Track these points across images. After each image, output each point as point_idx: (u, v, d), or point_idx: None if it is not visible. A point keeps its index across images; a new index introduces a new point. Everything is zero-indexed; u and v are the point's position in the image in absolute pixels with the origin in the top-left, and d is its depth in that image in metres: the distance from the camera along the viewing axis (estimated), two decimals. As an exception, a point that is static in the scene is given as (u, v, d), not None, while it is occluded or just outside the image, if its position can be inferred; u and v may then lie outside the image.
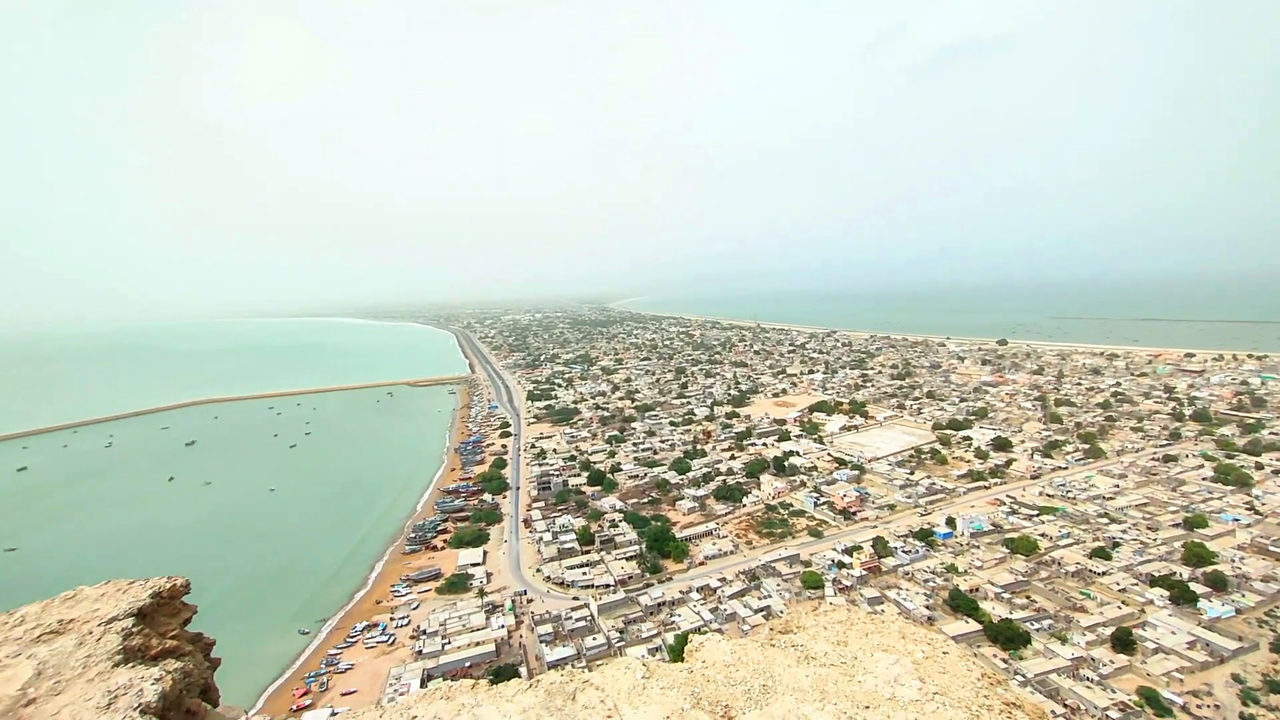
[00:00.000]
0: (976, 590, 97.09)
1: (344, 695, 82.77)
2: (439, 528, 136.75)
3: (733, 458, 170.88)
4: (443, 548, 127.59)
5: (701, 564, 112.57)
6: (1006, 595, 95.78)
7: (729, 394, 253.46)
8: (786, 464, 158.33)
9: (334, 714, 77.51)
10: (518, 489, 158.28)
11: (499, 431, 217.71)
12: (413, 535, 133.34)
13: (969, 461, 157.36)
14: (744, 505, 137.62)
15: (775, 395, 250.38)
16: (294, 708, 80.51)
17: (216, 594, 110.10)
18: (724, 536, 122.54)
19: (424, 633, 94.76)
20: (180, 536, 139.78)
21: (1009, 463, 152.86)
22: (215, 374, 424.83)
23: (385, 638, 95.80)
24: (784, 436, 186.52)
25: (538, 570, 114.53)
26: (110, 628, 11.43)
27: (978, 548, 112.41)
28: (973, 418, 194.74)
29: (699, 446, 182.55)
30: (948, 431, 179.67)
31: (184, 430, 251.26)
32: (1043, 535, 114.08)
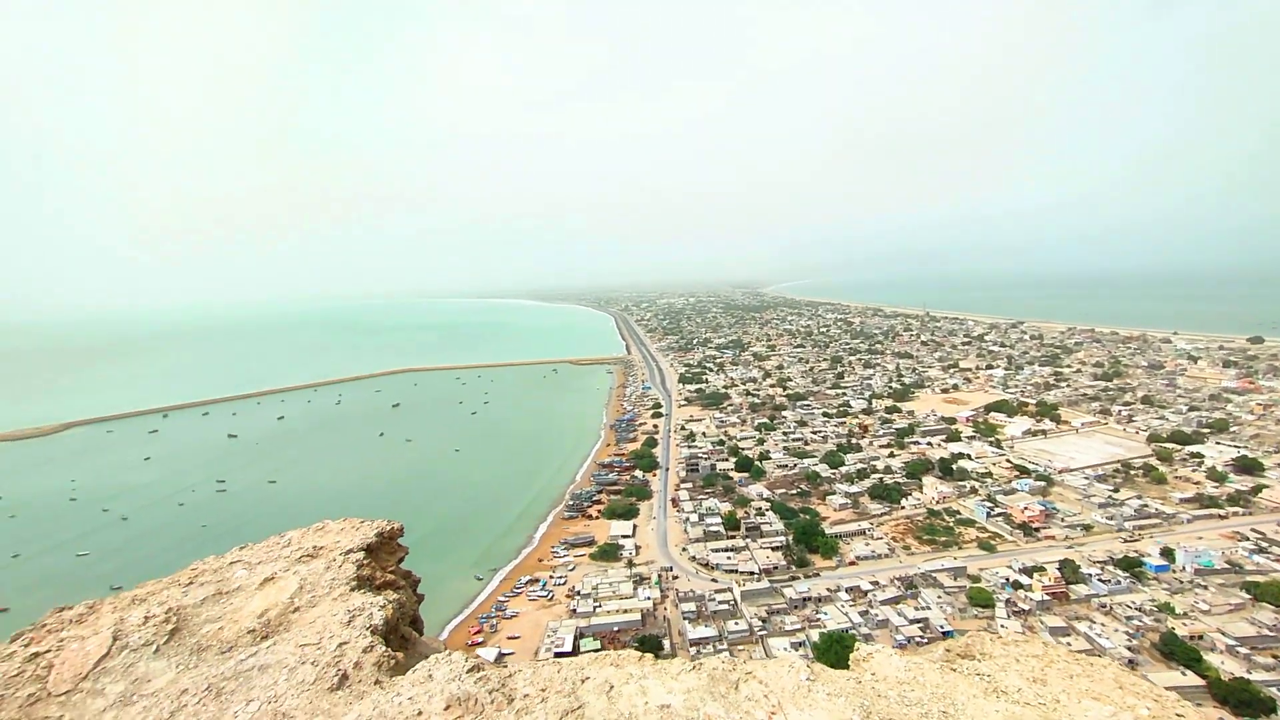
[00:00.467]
0: (1200, 638, 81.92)
1: (509, 639, 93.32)
2: (594, 498, 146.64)
3: (891, 455, 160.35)
4: (597, 517, 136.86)
5: (852, 564, 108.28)
6: (1243, 650, 79.57)
7: (890, 387, 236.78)
8: (955, 467, 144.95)
9: (501, 654, 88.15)
10: (667, 469, 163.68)
11: (651, 412, 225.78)
12: (571, 502, 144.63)
13: (1197, 484, 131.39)
14: (902, 507, 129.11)
15: (944, 391, 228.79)
16: (469, 643, 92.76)
17: (414, 537, 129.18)
18: (878, 538, 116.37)
19: (578, 593, 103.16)
20: (388, 484, 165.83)
21: (1256, 490, 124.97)
22: (413, 347, 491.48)
23: (545, 593, 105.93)
24: (953, 437, 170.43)
25: (683, 549, 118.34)
26: (348, 558, 13.37)
27: (1204, 588, 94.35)
28: (1206, 431, 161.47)
29: (854, 440, 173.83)
30: (1169, 445, 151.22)
31: (391, 394, 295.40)
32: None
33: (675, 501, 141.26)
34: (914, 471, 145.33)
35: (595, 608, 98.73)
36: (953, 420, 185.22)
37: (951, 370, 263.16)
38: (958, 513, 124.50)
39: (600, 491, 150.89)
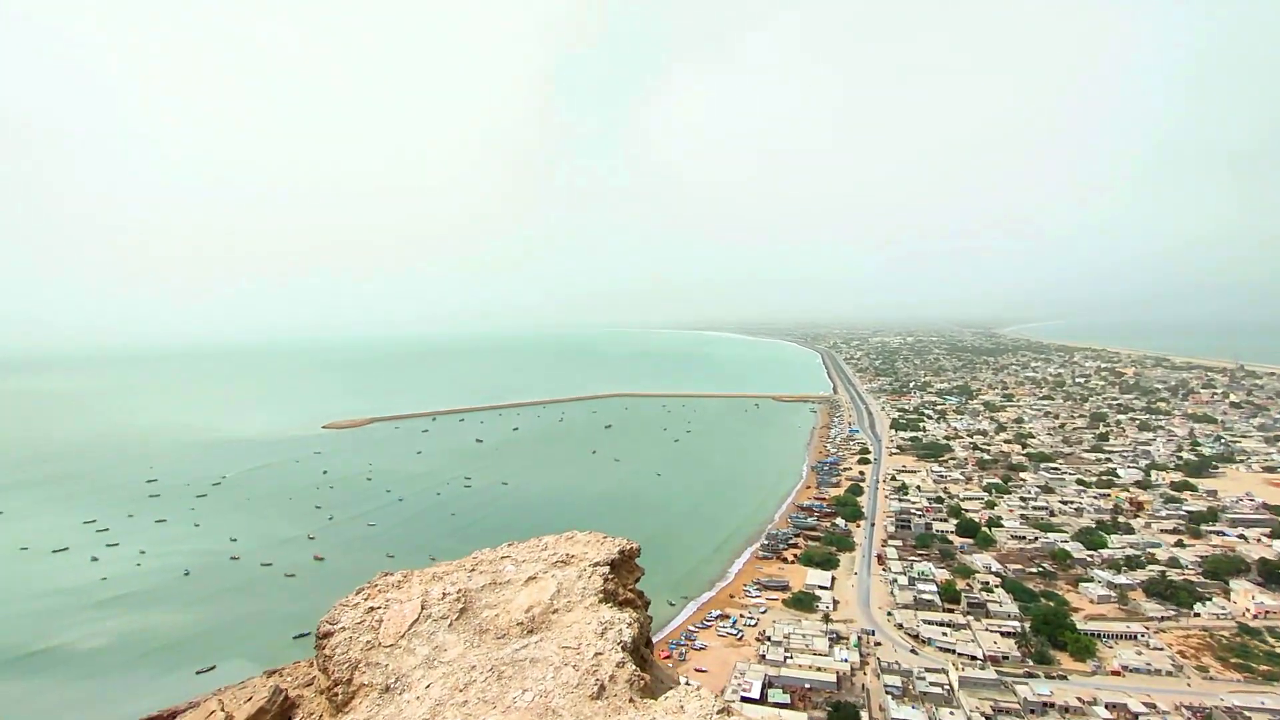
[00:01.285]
0: None
1: (697, 671, 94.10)
2: (791, 540, 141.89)
3: (1180, 545, 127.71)
4: (793, 561, 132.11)
5: (1116, 674, 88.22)
6: None
7: (1179, 457, 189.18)
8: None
9: (686, 683, 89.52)
10: (873, 522, 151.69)
11: (857, 457, 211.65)
12: (767, 542, 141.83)
13: None
14: (1196, 614, 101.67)
15: (1268, 470, 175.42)
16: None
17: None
18: (1157, 648, 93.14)
19: (769, 639, 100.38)
20: (596, 498, 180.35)
21: None
22: (626, 373, 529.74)
23: (735, 631, 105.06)
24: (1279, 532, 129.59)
25: (889, 614, 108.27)
26: (596, 570, 13.97)
27: None
28: None
29: (1121, 519, 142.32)
30: None
31: (604, 415, 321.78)
32: None
33: (881, 559, 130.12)
34: (1217, 570, 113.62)
35: (785, 657, 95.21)
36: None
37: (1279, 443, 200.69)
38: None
39: (797, 535, 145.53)
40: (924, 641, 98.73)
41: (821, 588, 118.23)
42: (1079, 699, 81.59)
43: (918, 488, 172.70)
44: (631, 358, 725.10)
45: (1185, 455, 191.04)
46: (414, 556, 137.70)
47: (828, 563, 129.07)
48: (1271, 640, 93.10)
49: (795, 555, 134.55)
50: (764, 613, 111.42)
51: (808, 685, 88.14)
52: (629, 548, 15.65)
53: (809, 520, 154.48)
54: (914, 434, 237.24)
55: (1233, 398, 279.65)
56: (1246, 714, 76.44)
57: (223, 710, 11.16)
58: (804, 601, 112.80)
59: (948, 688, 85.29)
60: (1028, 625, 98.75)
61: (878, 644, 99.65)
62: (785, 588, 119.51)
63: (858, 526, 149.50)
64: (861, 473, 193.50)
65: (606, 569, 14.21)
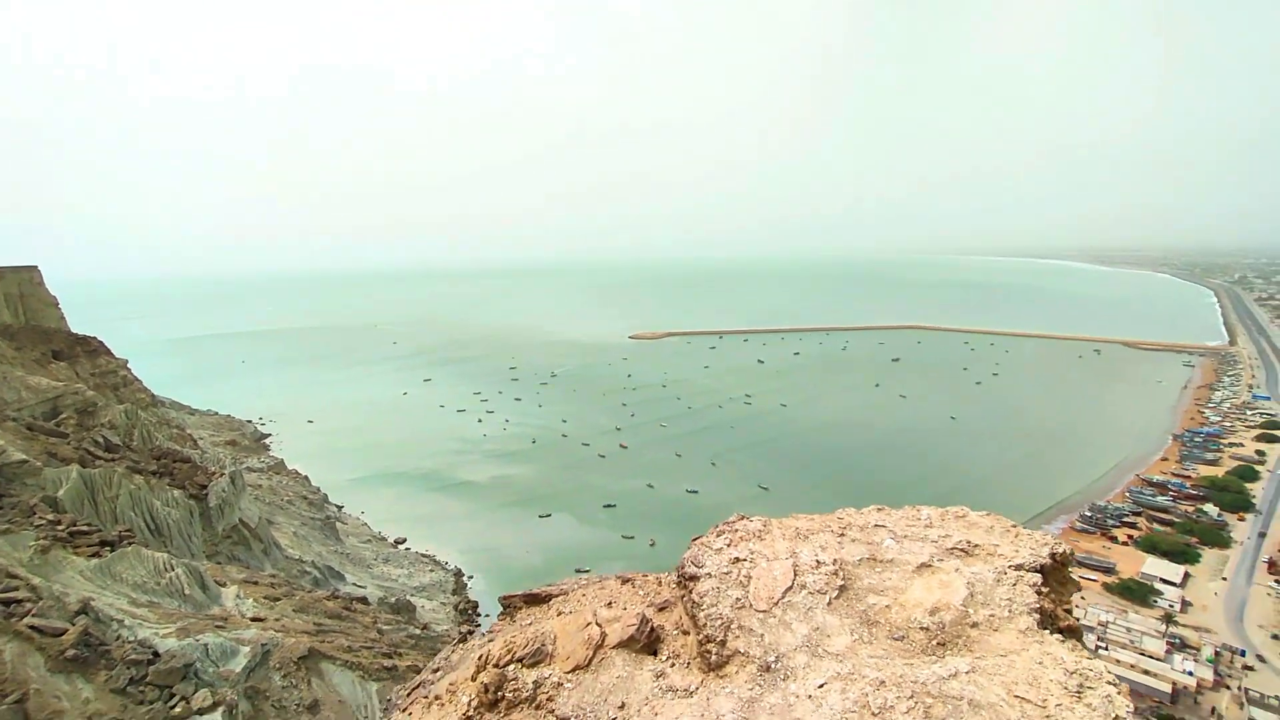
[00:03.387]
0: None
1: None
2: (1125, 518, 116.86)
3: None
4: (1125, 543, 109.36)
5: None
6: None
7: None
8: None
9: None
10: (1268, 517, 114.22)
11: (1257, 432, 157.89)
12: (1089, 514, 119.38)
13: None
14: None
15: None
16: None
17: (889, 493, 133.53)
18: None
19: (1078, 621, 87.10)
20: (879, 434, 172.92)
21: None
22: (926, 304, 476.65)
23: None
24: None
25: (1273, 636, 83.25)
26: (1023, 577, 10.37)
27: None
28: None
29: None
30: None
31: (892, 348, 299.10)
32: None
33: (1273, 565, 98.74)
34: None
35: (1098, 646, 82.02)
36: None
37: None
38: None
39: (1138, 513, 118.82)
40: (1328, 682, 74.19)
41: (1165, 581, 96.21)
42: None
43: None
44: (933, 287, 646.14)
45: None
46: (698, 457, 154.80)
47: (1183, 555, 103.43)
48: None
49: (1131, 537, 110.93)
50: (1080, 595, 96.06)
51: (1128, 685, 75.20)
52: (1060, 550, 11.64)
53: (1158, 499, 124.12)
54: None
55: None
56: None
57: (598, 626, 10.88)
58: (1135, 592, 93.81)
59: (1358, 748, 63.81)
60: None
61: (1248, 668, 78.51)
62: (1110, 570, 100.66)
63: (1240, 520, 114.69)
64: (1260, 452, 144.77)
65: (1037, 577, 10.58)
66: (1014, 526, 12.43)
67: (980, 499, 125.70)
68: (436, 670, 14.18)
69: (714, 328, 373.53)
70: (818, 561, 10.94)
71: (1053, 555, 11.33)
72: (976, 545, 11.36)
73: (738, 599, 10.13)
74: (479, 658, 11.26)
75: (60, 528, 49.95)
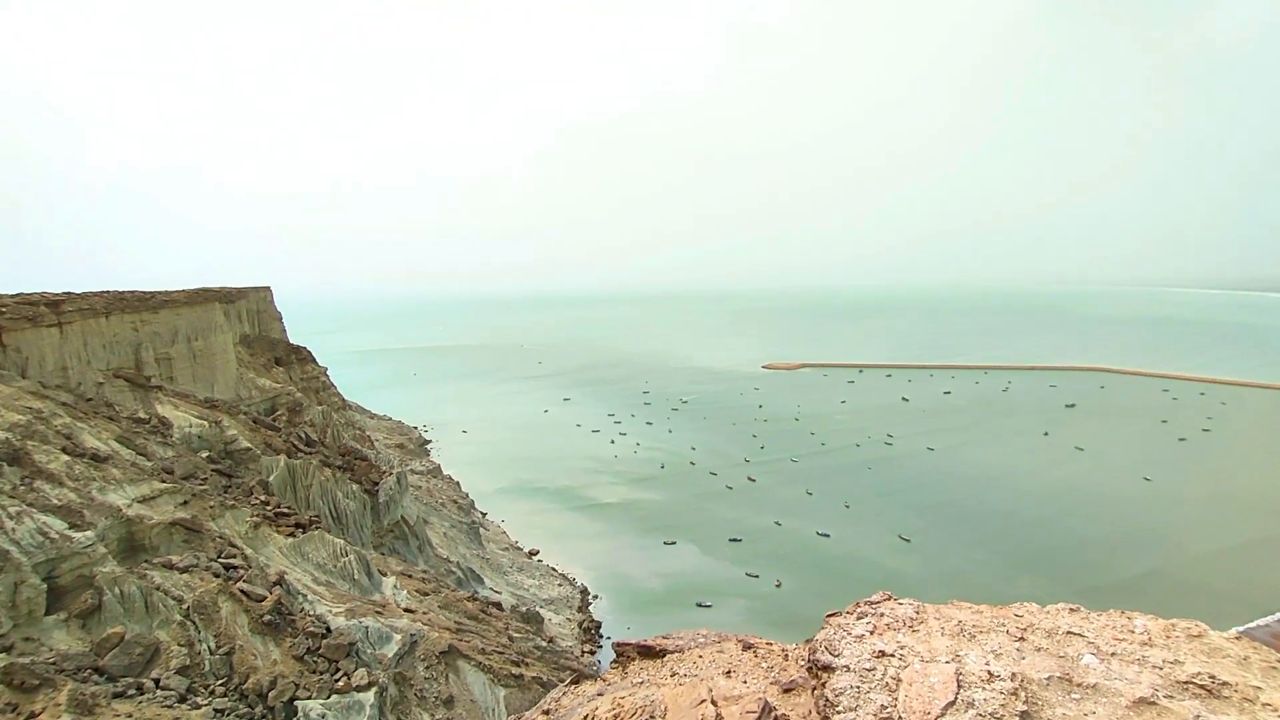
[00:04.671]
0: None
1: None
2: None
3: None
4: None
5: None
6: None
7: None
8: None
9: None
10: None
11: None
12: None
13: None
14: None
15: None
16: None
17: (1063, 565, 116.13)
18: None
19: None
20: (1045, 492, 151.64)
21: None
22: (1108, 342, 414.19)
23: None
24: None
25: None
26: None
27: None
28: None
29: None
30: None
31: (1067, 392, 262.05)
32: None
33: None
34: None
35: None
36: None
37: None
38: None
39: None
40: None
41: None
42: None
43: None
44: (1122, 323, 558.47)
45: None
46: (830, 498, 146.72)
47: None
48: None
49: None
50: None
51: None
52: None
53: None
54: None
55: None
56: None
57: (713, 706, 9.65)
58: None
59: None
60: None
61: None
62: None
63: None
64: None
65: None
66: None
67: (1189, 591, 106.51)
68: (547, 712, 14.44)
69: (853, 360, 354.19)
70: (990, 674, 8.50)
71: None
72: (1224, 684, 8.24)
73: (883, 707, 8.07)
74: (584, 717, 10.75)
75: (269, 508, 59.86)
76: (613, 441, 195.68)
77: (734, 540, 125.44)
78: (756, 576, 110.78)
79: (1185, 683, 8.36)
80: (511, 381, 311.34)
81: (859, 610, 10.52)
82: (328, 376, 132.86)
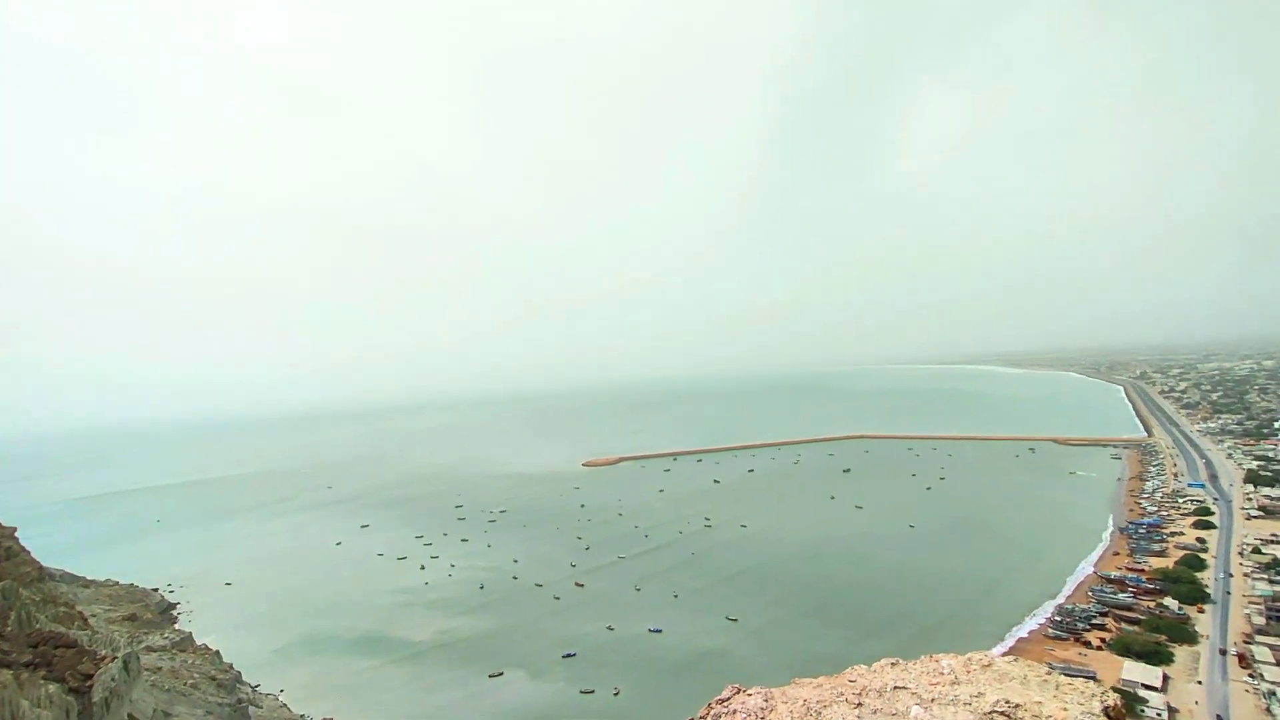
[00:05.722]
0: None
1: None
2: (1093, 620, 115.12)
3: None
4: (1099, 647, 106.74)
5: None
6: None
7: None
8: None
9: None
10: (1225, 608, 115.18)
11: (1192, 519, 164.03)
12: (1058, 619, 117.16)
13: None
14: None
15: None
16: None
17: (861, 623, 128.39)
18: None
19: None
20: (839, 548, 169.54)
21: None
22: (870, 413, 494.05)
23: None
24: None
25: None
26: None
27: None
28: None
29: None
30: None
31: (842, 459, 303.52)
32: None
33: (1244, 659, 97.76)
34: None
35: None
36: None
37: None
38: None
39: (1104, 613, 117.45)
40: (1329, 787, 70.85)
41: (1148, 687, 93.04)
42: None
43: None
44: (872, 395, 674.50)
45: None
46: (659, 591, 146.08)
47: (1155, 656, 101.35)
48: None
49: (1103, 640, 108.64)
50: None
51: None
52: (1114, 704, 10.26)
53: (1119, 596, 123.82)
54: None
55: None
56: None
57: None
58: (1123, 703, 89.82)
59: None
60: None
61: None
62: (1093, 679, 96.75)
63: (1199, 611, 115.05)
64: (1201, 540, 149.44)
65: None
66: (1049, 674, 11.33)
67: (959, 614, 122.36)
68: None
69: (667, 449, 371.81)
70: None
71: (1106, 712, 9.98)
72: (1017, 706, 9.71)
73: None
74: None
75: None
76: (423, 567, 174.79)
77: (567, 656, 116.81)
78: (592, 692, 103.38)
79: (989, 713, 9.50)
80: (293, 513, 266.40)
81: (712, 712, 10.62)
82: (15, 540, 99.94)
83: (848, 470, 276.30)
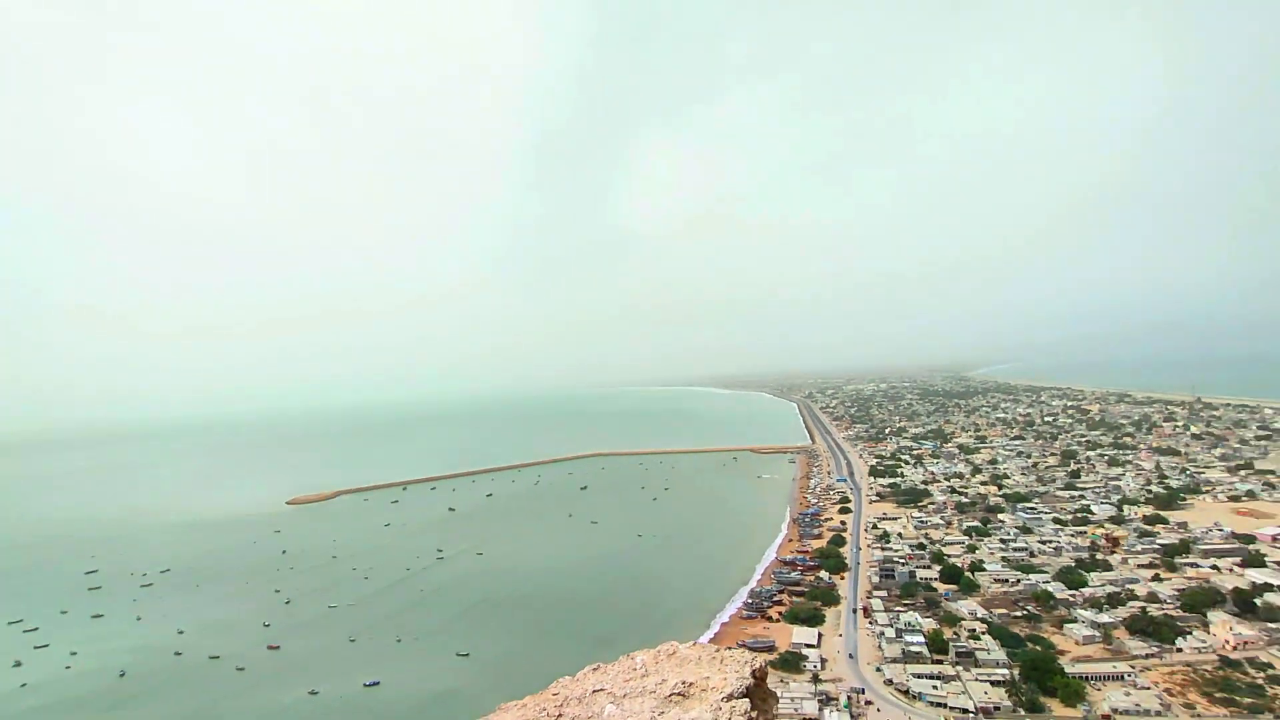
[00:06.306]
0: None
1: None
2: (775, 597, 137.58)
3: (1157, 579, 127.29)
4: (778, 619, 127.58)
5: (1107, 718, 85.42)
6: None
7: (1147, 490, 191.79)
8: (1259, 602, 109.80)
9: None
10: (857, 573, 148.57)
11: (838, 506, 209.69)
12: (750, 601, 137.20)
13: None
14: (1178, 650, 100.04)
15: (1233, 499, 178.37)
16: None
17: (595, 626, 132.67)
18: (1144, 687, 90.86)
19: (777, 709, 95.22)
20: (576, 564, 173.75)
21: None
22: (603, 432, 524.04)
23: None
24: (1253, 561, 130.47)
25: (877, 669, 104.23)
26: (735, 707, 10.67)
27: None
28: None
29: (1099, 556, 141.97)
30: None
31: (581, 476, 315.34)
32: None
33: (866, 611, 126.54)
34: (1194, 603, 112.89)
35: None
36: (1250, 539, 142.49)
37: (1242, 472, 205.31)
38: (1270, 666, 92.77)
39: (781, 591, 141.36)
40: (915, 697, 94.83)
41: (809, 646, 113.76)
42: (1075, 749, 78.44)
43: (899, 535, 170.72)
44: (610, 416, 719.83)
45: (1154, 488, 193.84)
46: (379, 638, 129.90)
47: (814, 619, 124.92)
48: (1252, 671, 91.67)
49: (780, 613, 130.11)
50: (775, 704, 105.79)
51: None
52: (758, 666, 12.18)
53: (793, 575, 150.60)
54: (893, 480, 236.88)
55: (1194, 429, 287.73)
56: (1243, 753, 74.14)
57: None
58: (791, 662, 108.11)
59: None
60: (1016, 672, 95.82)
61: (868, 703, 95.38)
62: (771, 648, 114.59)
63: (841, 579, 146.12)
64: (843, 522, 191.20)
65: (746, 703, 10.92)
66: (718, 651, 12.68)
67: (679, 610, 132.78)
68: None
69: (396, 479, 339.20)
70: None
71: (754, 674, 11.75)
72: (691, 684, 11.27)
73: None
74: None
75: None
76: (17, 664, 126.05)
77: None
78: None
79: (669, 696, 11.07)
80: None
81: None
82: None
83: (585, 488, 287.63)
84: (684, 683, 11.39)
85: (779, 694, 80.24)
